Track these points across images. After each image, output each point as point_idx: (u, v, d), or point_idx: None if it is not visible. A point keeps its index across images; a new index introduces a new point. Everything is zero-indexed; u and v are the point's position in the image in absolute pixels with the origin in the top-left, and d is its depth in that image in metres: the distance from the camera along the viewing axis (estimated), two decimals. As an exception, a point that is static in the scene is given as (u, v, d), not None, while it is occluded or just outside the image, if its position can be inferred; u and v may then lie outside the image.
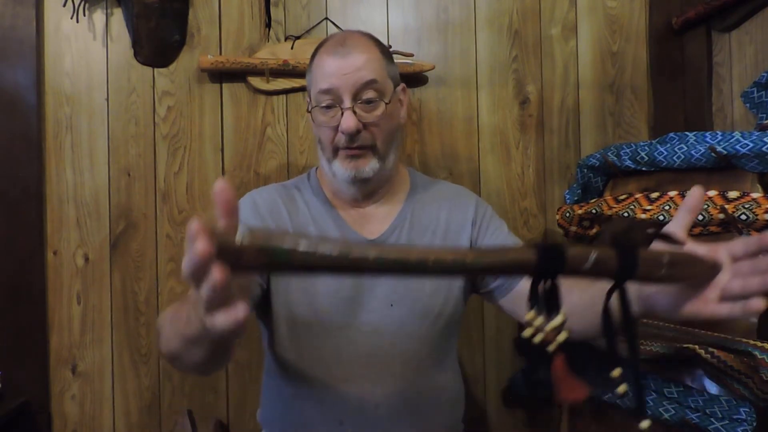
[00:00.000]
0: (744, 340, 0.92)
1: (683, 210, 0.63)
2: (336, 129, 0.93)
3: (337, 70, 0.92)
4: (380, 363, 0.94)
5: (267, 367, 1.06)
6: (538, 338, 0.51)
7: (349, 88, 0.91)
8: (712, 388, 0.98)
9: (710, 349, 0.91)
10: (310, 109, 0.98)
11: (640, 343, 1.04)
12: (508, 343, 1.46)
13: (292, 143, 1.44)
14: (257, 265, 0.43)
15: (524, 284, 0.92)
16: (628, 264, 0.51)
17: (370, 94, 0.93)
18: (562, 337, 0.50)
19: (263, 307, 0.99)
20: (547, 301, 0.51)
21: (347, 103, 0.92)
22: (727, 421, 0.90)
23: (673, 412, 0.97)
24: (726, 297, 0.58)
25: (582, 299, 0.74)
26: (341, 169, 0.95)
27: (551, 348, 0.50)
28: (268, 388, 1.06)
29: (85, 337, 1.39)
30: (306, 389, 0.96)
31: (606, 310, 0.55)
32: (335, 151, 0.96)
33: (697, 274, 0.57)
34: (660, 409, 0.99)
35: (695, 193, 0.63)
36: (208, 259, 0.40)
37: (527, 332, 0.51)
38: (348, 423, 0.93)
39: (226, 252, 0.42)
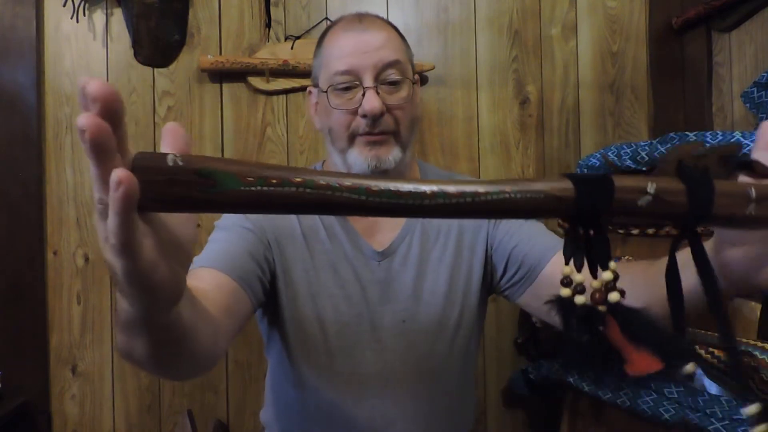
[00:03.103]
0: (744, 340, 0.92)
1: (759, 150, 0.47)
2: (354, 113, 0.83)
3: (357, 48, 0.82)
4: (394, 382, 0.88)
5: (271, 378, 0.99)
6: (580, 299, 0.40)
7: (370, 67, 0.82)
8: (712, 388, 0.98)
9: (710, 349, 0.91)
10: (321, 91, 0.86)
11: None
12: (508, 343, 1.46)
13: (292, 143, 1.44)
14: (192, 196, 0.34)
15: (551, 269, 0.83)
16: (702, 198, 0.39)
17: (393, 75, 0.83)
18: (614, 297, 0.39)
19: (271, 315, 0.92)
20: (589, 252, 0.40)
21: (369, 82, 0.82)
22: (727, 422, 0.90)
23: (673, 412, 0.97)
24: None
25: (637, 283, 0.58)
26: (360, 158, 0.84)
27: (602, 310, 0.39)
28: (273, 400, 0.99)
29: (85, 337, 1.39)
30: (315, 408, 0.90)
31: (672, 266, 0.42)
32: (351, 138, 0.85)
33: None
34: (660, 409, 0.99)
35: (765, 126, 0.47)
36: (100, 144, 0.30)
37: (565, 292, 0.41)
38: None
39: (152, 171, 0.33)
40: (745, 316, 0.97)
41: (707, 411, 0.94)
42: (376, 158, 0.83)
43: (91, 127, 0.30)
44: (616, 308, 0.39)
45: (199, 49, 1.41)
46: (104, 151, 0.31)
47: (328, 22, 1.42)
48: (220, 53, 1.42)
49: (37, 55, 1.36)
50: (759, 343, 0.89)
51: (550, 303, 0.42)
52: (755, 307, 0.97)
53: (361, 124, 0.83)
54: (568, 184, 0.38)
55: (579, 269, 0.40)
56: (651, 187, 0.39)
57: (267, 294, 0.86)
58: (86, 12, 1.38)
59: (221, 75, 1.41)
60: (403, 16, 1.45)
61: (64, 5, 1.37)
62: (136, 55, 1.39)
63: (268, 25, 1.42)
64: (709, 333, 0.98)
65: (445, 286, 0.90)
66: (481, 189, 0.38)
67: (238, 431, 1.42)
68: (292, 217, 0.89)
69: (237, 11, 1.42)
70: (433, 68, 1.42)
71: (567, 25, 1.48)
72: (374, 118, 0.82)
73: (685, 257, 0.44)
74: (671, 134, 1.15)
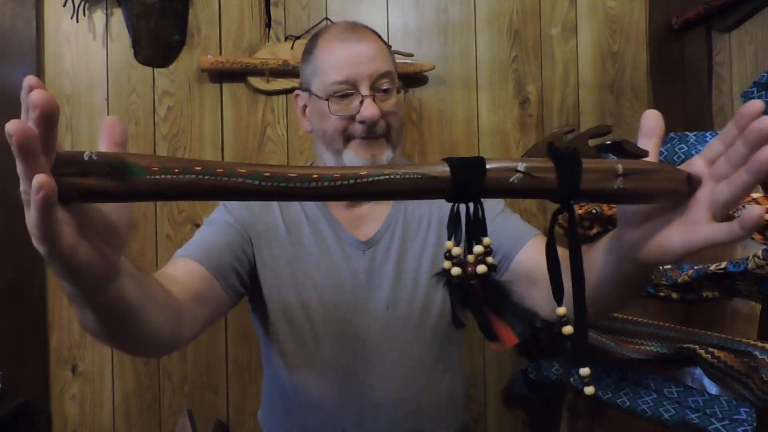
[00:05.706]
0: (744, 340, 0.92)
1: (642, 137, 0.53)
2: (351, 119, 0.90)
3: (353, 58, 0.89)
4: (380, 368, 0.92)
5: (267, 372, 1.04)
6: (456, 271, 0.45)
7: (366, 77, 0.89)
8: (712, 388, 0.98)
9: (710, 349, 0.91)
10: (317, 96, 0.92)
11: (639, 342, 1.04)
12: (508, 343, 1.46)
13: (292, 143, 1.44)
14: (105, 185, 0.38)
15: (525, 254, 0.87)
16: (570, 174, 0.43)
17: (386, 84, 0.91)
18: (480, 269, 0.44)
19: (261, 309, 0.96)
20: (468, 227, 0.44)
21: (366, 91, 0.89)
22: (727, 422, 0.90)
23: (673, 412, 0.97)
24: (718, 212, 0.44)
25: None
26: (355, 158, 0.91)
27: (474, 282, 0.45)
28: (269, 395, 1.04)
29: (85, 337, 1.39)
30: (306, 397, 0.93)
31: (551, 241, 0.47)
32: (347, 140, 0.92)
33: (666, 189, 0.46)
34: (660, 409, 0.99)
35: (649, 115, 0.53)
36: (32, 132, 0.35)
37: (446, 264, 0.46)
38: (350, 430, 0.92)
39: (71, 165, 0.38)
40: (745, 316, 0.97)
41: (707, 411, 0.94)
42: (373, 158, 0.91)
43: (17, 133, 0.35)
44: (484, 281, 0.45)
45: (199, 49, 1.41)
46: (29, 153, 0.36)
47: (328, 22, 1.42)
48: (220, 53, 1.42)
49: (37, 55, 1.36)
50: (759, 343, 0.89)
51: (437, 276, 0.47)
52: (755, 307, 0.97)
53: (357, 128, 0.90)
54: (445, 167, 0.42)
55: (458, 243, 0.45)
56: (521, 166, 0.43)
57: (246, 286, 0.91)
58: (86, 12, 1.38)
59: (221, 75, 1.41)
60: (403, 16, 1.45)
61: (64, 5, 1.37)
62: (136, 55, 1.39)
63: (268, 25, 1.42)
64: (708, 333, 0.98)
65: (427, 273, 0.95)
66: (363, 171, 0.41)
67: (238, 431, 1.42)
68: (276, 213, 0.96)
69: (237, 11, 1.42)
70: (433, 68, 1.42)
71: (567, 25, 1.48)
72: (372, 124, 0.89)
73: (607, 246, 0.51)
74: (671, 134, 1.15)
